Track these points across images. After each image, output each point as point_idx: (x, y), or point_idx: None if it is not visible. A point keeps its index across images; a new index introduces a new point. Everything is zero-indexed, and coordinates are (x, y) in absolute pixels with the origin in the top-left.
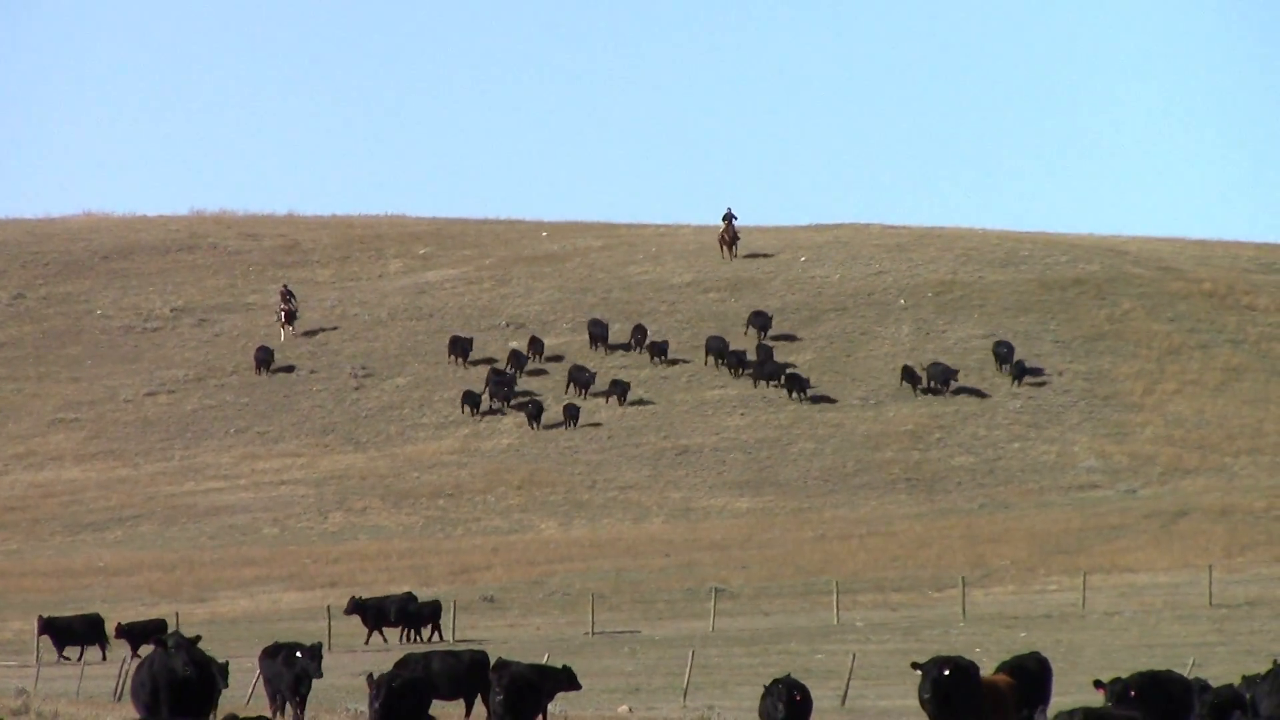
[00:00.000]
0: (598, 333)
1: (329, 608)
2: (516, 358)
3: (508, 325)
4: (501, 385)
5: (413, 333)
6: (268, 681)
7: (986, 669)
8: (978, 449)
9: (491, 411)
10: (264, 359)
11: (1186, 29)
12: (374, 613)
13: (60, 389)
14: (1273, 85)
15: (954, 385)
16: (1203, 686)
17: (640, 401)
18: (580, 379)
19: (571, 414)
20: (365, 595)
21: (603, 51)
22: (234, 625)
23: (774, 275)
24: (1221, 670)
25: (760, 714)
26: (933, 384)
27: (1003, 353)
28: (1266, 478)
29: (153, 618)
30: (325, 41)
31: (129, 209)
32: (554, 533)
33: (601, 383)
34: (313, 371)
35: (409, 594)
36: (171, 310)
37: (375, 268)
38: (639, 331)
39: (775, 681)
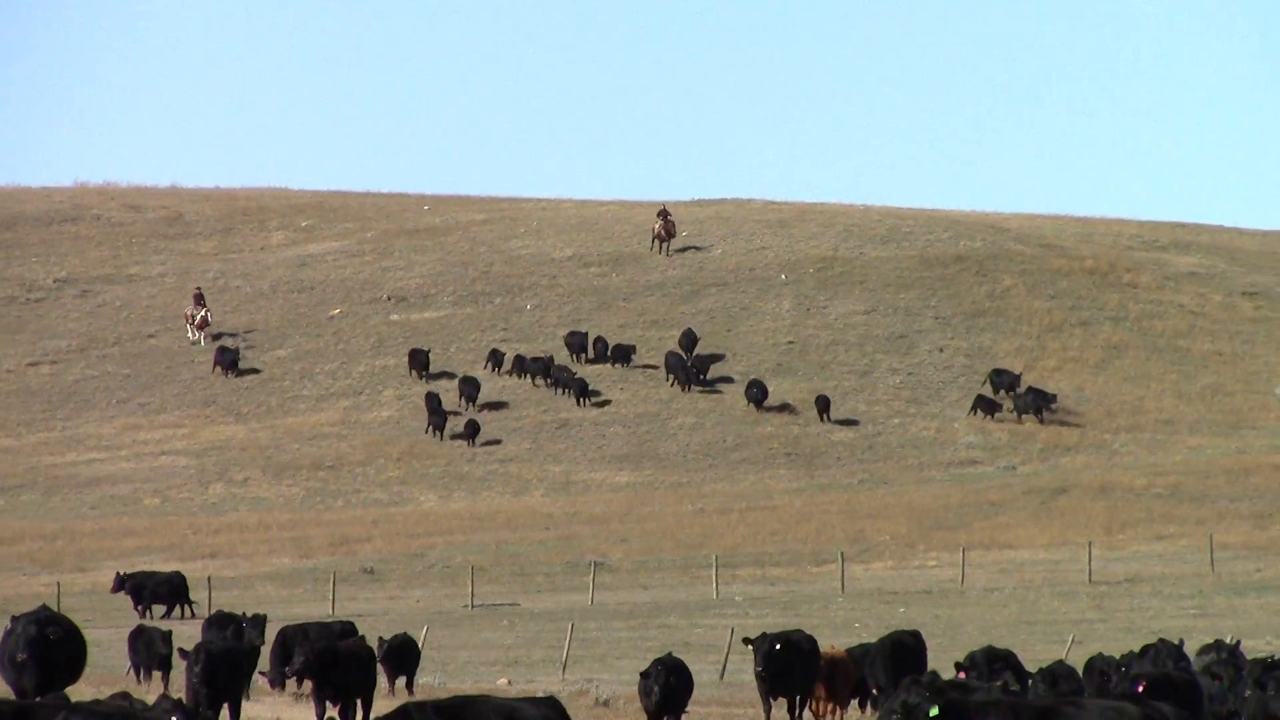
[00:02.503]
0: (575, 343)
1: (209, 579)
2: (497, 359)
3: (389, 299)
4: (473, 394)
5: (294, 305)
6: None
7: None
8: (857, 425)
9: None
10: (229, 362)
11: (1066, 4)
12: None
13: None
14: (1155, 62)
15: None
16: (1119, 664)
17: (520, 375)
18: (563, 380)
19: (471, 430)
20: (129, 570)
21: (485, 25)
22: (114, 596)
23: (655, 250)
24: (1100, 647)
25: (640, 692)
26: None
27: (1005, 381)
28: (1146, 455)
29: None
30: (208, 13)
31: (12, 180)
32: (434, 505)
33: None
34: (194, 343)
35: (175, 572)
36: (55, 281)
37: (257, 240)
38: (600, 343)
39: (655, 663)
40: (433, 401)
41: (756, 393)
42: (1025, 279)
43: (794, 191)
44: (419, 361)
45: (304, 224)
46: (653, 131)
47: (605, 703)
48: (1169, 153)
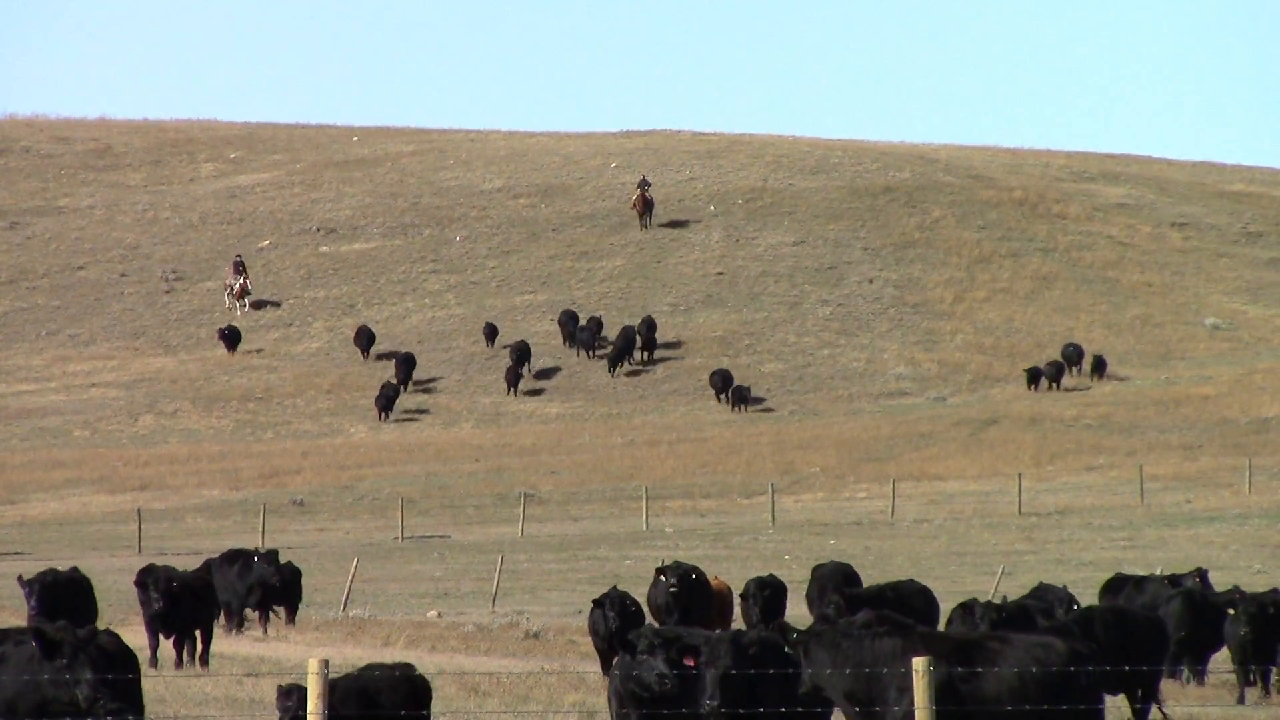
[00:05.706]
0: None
1: (139, 511)
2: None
3: (318, 230)
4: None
5: (224, 236)
6: (220, 591)
7: (795, 575)
8: (787, 356)
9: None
10: (231, 337)
11: None
12: None
13: None
14: None
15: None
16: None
17: (448, 306)
18: (584, 339)
19: (386, 403)
20: None
21: None
22: (44, 527)
23: (584, 182)
24: (1031, 578)
25: (590, 626)
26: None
27: (1070, 353)
28: (1075, 386)
29: None
30: None
31: None
32: (364, 437)
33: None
34: (124, 275)
35: None
36: None
37: (187, 171)
38: (593, 323)
39: (607, 594)
40: (403, 369)
41: (719, 381)
42: (954, 210)
43: (722, 122)
44: (364, 339)
45: (233, 156)
46: (582, 62)
47: (535, 635)
48: (1098, 83)
